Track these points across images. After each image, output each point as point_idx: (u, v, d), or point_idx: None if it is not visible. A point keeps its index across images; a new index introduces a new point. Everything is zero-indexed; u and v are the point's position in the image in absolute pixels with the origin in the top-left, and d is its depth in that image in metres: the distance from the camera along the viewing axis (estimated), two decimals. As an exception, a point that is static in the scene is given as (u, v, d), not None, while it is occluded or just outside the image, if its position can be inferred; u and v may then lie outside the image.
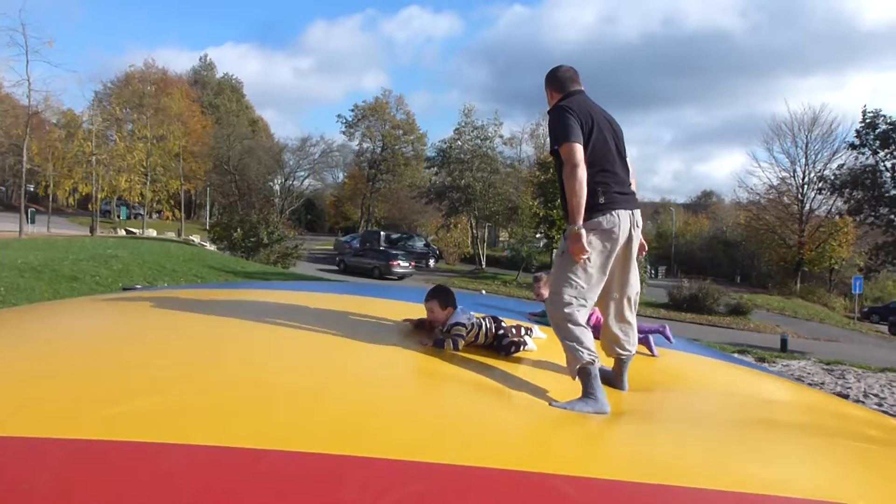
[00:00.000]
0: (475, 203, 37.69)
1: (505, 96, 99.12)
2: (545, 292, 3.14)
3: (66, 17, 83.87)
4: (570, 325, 2.36)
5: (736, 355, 9.05)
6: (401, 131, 53.44)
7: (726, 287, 30.18)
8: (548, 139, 2.83)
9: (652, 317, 21.06)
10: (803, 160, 38.13)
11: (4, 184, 48.63)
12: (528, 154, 47.20)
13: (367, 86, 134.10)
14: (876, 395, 8.30)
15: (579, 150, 2.37)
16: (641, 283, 2.84)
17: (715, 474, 1.69)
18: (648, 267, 35.17)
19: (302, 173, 54.27)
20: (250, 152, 49.11)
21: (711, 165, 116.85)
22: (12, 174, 38.86)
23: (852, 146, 30.09)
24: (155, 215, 49.07)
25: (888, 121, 27.79)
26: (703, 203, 69.73)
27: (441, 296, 2.72)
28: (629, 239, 2.50)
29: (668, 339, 3.69)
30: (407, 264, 30.69)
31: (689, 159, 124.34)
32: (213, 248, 26.87)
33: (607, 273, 2.46)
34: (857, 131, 29.14)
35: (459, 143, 39.60)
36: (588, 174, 2.36)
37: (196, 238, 34.16)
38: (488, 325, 2.70)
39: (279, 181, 53.26)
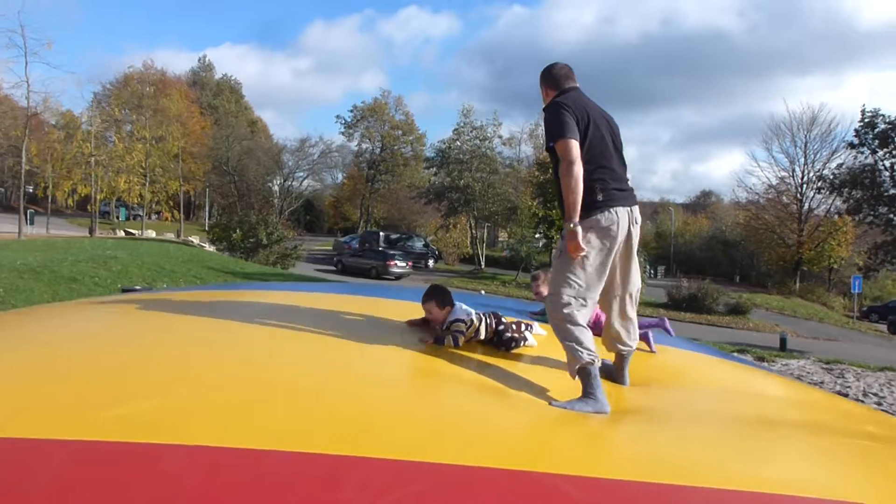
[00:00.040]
0: (474, 203, 37.64)
1: (504, 96, 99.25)
2: (544, 290, 3.14)
3: (65, 19, 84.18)
4: (569, 326, 2.35)
5: (735, 354, 9.04)
6: (400, 132, 53.46)
7: (725, 287, 30.11)
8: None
9: (652, 317, 20.98)
10: (802, 160, 38.29)
11: (3, 185, 48.62)
12: (527, 154, 47.22)
13: (365, 86, 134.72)
14: (875, 395, 8.30)
15: (575, 146, 2.34)
16: (641, 283, 2.84)
17: (716, 473, 1.69)
18: (648, 267, 35.19)
19: (301, 174, 54.38)
20: (249, 153, 49.13)
21: (710, 165, 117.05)
22: (11, 175, 38.81)
23: (851, 145, 30.07)
24: (154, 216, 49.11)
25: (887, 120, 27.74)
26: (702, 203, 69.81)
27: (438, 295, 2.70)
28: (629, 236, 2.48)
29: (668, 331, 3.71)
30: (404, 264, 30.66)
31: (687, 159, 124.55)
32: (212, 248, 26.85)
33: (607, 271, 2.44)
34: (856, 130, 29.12)
35: (458, 143, 39.55)
36: (585, 171, 2.33)
37: (195, 239, 34.14)
38: (488, 321, 2.69)
39: (278, 182, 53.25)
